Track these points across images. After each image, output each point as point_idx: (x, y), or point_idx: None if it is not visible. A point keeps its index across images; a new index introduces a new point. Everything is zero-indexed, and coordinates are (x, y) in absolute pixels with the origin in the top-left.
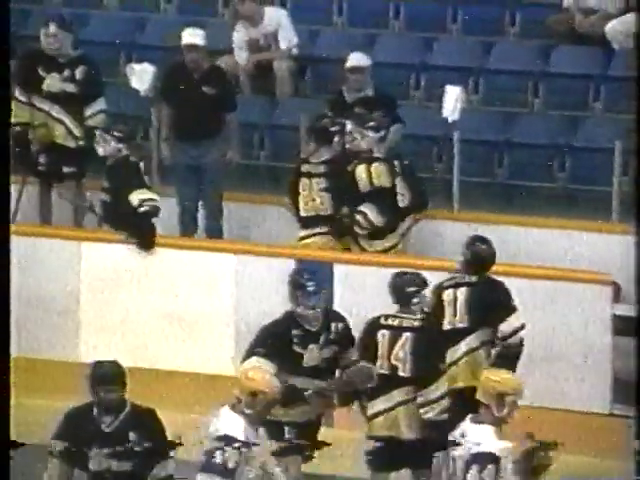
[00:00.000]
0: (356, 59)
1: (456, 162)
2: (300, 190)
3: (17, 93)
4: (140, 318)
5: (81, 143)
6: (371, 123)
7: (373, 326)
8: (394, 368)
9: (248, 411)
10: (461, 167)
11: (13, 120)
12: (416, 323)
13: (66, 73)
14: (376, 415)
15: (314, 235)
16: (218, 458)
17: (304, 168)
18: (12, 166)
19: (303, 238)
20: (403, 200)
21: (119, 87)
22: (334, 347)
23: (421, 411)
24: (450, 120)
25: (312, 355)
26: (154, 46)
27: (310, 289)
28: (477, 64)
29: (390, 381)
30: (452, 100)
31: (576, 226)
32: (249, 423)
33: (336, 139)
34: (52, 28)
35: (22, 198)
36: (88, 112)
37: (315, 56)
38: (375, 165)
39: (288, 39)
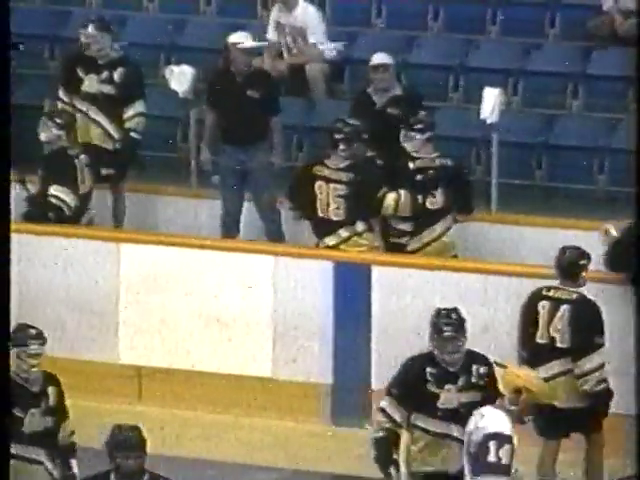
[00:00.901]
0: (380, 57)
1: (495, 164)
2: (317, 193)
3: (61, 94)
4: (178, 319)
5: (118, 145)
6: (418, 125)
7: (535, 297)
8: (552, 339)
9: (511, 407)
10: (500, 169)
11: (58, 120)
12: (575, 296)
13: (104, 75)
14: None
15: (349, 238)
16: (492, 457)
17: (322, 172)
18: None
19: (337, 244)
20: (434, 203)
21: (158, 89)
22: (475, 393)
23: (579, 382)
24: (489, 122)
25: (449, 396)
26: (193, 48)
27: (447, 334)
28: (516, 66)
29: (549, 351)
30: (491, 102)
31: None
32: (510, 420)
33: (341, 146)
34: (91, 29)
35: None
36: (126, 114)
37: (354, 58)
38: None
39: (318, 41)
